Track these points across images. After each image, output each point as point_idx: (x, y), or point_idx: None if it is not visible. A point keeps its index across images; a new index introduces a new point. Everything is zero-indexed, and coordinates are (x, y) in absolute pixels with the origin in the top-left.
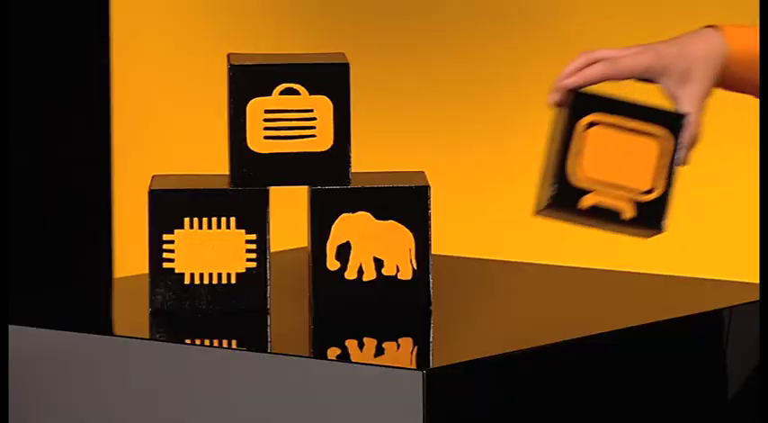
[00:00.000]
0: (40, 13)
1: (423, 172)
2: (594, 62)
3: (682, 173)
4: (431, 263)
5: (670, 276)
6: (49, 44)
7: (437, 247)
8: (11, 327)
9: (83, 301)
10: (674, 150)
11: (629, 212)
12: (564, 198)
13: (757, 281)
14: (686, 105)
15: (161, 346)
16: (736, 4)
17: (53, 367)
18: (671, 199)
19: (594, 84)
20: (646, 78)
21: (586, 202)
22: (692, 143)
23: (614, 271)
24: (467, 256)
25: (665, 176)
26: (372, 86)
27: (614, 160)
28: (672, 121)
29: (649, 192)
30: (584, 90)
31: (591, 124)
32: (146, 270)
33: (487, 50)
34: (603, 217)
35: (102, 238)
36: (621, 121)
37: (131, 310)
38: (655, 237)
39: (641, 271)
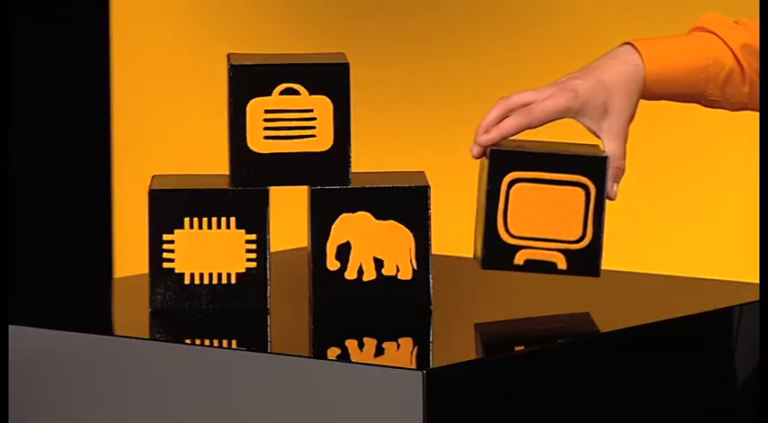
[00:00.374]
0: (40, 13)
1: (423, 172)
2: (511, 111)
3: (682, 173)
4: (431, 263)
5: (670, 276)
6: (49, 44)
7: (437, 247)
8: (11, 327)
9: (83, 301)
10: (600, 194)
11: (562, 263)
12: (498, 257)
13: (757, 281)
14: (608, 139)
15: (161, 346)
16: (736, 4)
17: (53, 367)
18: (602, 243)
19: (512, 136)
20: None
21: (520, 258)
22: (618, 176)
23: (614, 271)
24: (467, 256)
25: (593, 222)
26: (372, 86)
27: (541, 214)
28: (593, 167)
29: (581, 240)
30: (501, 147)
31: (513, 182)
32: (146, 270)
33: (487, 50)
34: (540, 269)
35: (102, 238)
36: (542, 175)
37: (131, 310)
38: (652, 240)
39: (641, 271)
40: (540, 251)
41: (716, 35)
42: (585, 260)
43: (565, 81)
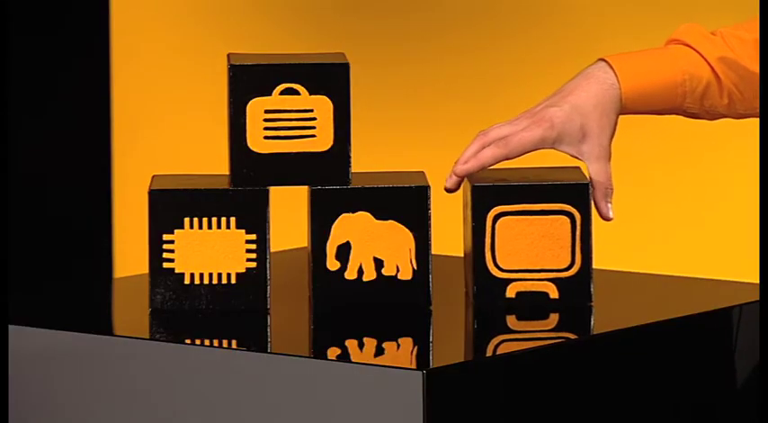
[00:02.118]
0: (40, 13)
1: (423, 172)
2: (489, 144)
3: (682, 173)
4: (431, 263)
5: (670, 276)
6: (49, 44)
7: (437, 247)
8: (11, 327)
9: (83, 301)
10: (585, 220)
11: (554, 292)
12: (488, 292)
13: (757, 281)
14: (591, 162)
15: (161, 346)
16: (737, 4)
17: (53, 367)
18: (592, 268)
19: (490, 166)
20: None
21: (511, 290)
22: (607, 195)
23: (614, 271)
24: None
25: (581, 248)
26: (372, 86)
27: (529, 246)
28: (575, 193)
29: (570, 267)
30: (482, 182)
31: (498, 216)
32: (146, 270)
33: (487, 50)
34: (532, 300)
35: (103, 237)
36: (526, 207)
37: (131, 310)
38: (652, 240)
39: (641, 271)
40: (531, 282)
41: (692, 48)
42: (576, 287)
43: (540, 110)
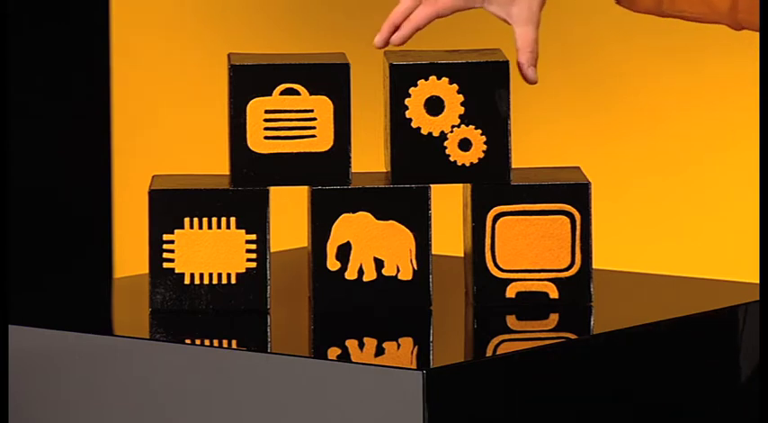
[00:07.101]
0: (40, 13)
1: None
2: (419, 3)
3: (681, 173)
4: (431, 263)
5: (670, 276)
6: (49, 44)
7: (437, 247)
8: (11, 327)
9: (83, 300)
10: (585, 220)
11: (554, 292)
12: (488, 292)
13: (757, 281)
14: (518, 25)
15: (161, 346)
16: None
17: (53, 367)
18: (592, 268)
19: (422, 28)
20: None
21: (511, 291)
22: (533, 61)
23: (614, 271)
24: None
25: (581, 248)
26: (372, 86)
27: (529, 246)
28: (575, 193)
29: (569, 267)
30: (483, 183)
31: (498, 216)
32: (146, 270)
33: None
34: (532, 300)
35: (103, 238)
36: (526, 207)
37: (131, 310)
38: (652, 240)
39: (641, 271)
40: (531, 282)
41: None
42: (576, 287)
43: None
